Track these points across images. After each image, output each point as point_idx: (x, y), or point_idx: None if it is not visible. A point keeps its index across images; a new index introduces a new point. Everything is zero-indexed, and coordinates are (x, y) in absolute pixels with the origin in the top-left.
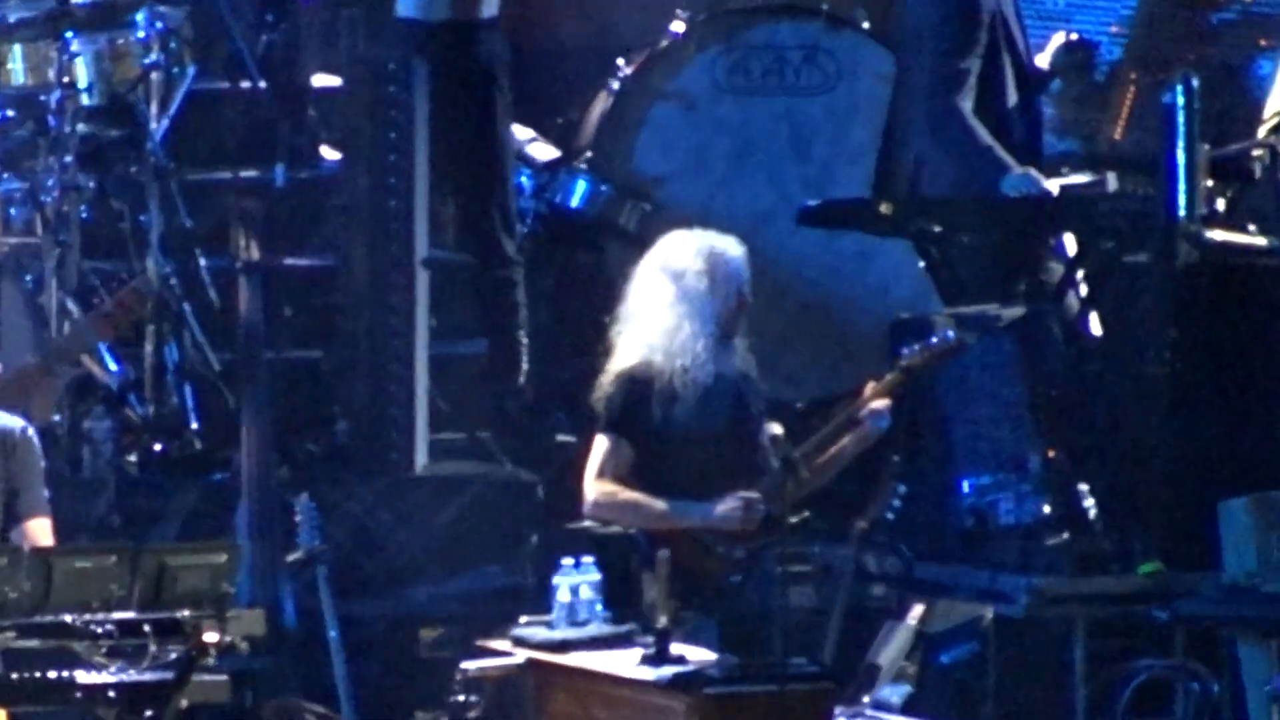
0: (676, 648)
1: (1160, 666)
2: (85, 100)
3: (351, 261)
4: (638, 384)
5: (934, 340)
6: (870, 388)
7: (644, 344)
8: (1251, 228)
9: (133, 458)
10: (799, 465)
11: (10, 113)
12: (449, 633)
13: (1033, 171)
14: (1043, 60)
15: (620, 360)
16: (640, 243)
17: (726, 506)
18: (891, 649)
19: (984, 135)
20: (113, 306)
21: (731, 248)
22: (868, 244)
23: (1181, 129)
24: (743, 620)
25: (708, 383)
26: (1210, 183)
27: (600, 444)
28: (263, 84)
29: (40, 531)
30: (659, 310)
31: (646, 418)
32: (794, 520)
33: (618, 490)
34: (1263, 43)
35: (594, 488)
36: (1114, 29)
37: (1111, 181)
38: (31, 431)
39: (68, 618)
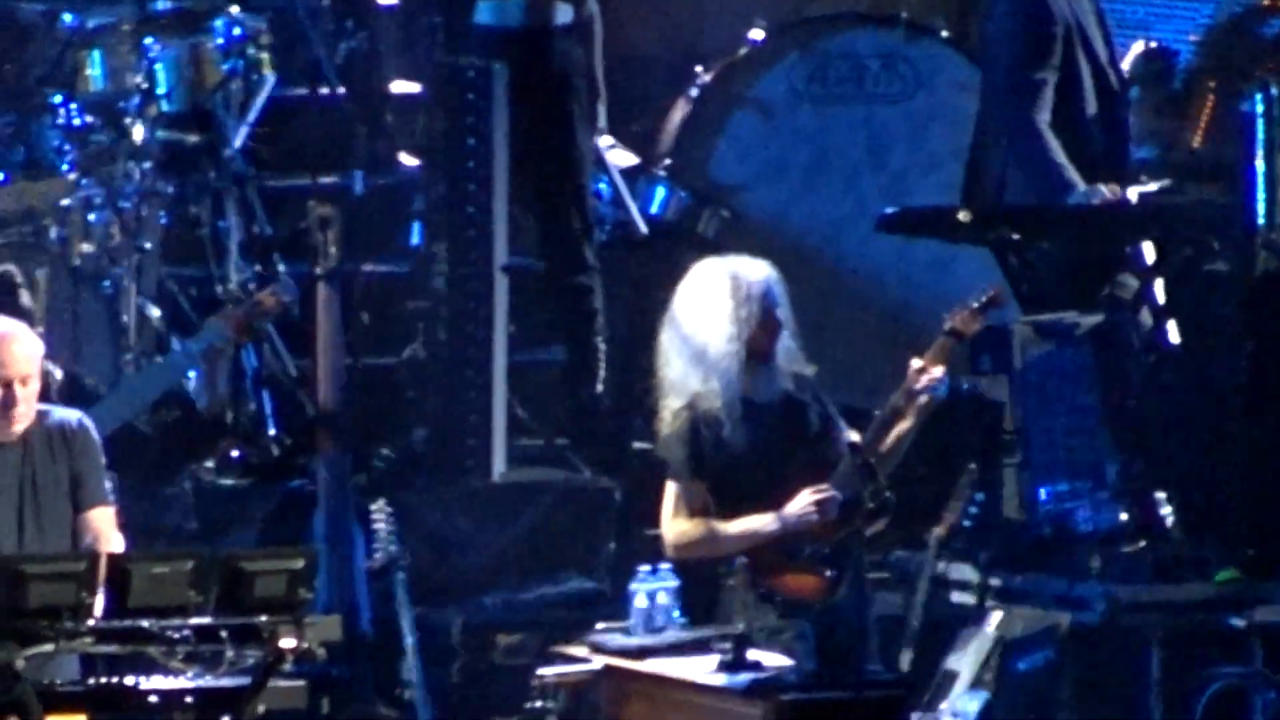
0: (753, 654)
1: (1236, 674)
2: (164, 106)
3: (430, 268)
4: (690, 422)
5: (974, 297)
6: (915, 365)
7: (684, 376)
8: None
9: (210, 464)
10: (877, 473)
11: (90, 119)
12: (525, 639)
13: (1102, 188)
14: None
15: (668, 402)
16: (718, 249)
17: (798, 505)
18: (969, 656)
19: (1056, 150)
20: (250, 306)
21: (755, 270)
22: (945, 252)
23: (1260, 137)
24: (838, 626)
25: (747, 400)
26: None
27: (670, 489)
28: (342, 90)
29: (103, 520)
30: (689, 337)
31: (704, 450)
32: (873, 505)
33: (690, 526)
34: None
35: (670, 529)
36: (1193, 38)
37: (1190, 190)
38: (89, 423)
39: (145, 623)
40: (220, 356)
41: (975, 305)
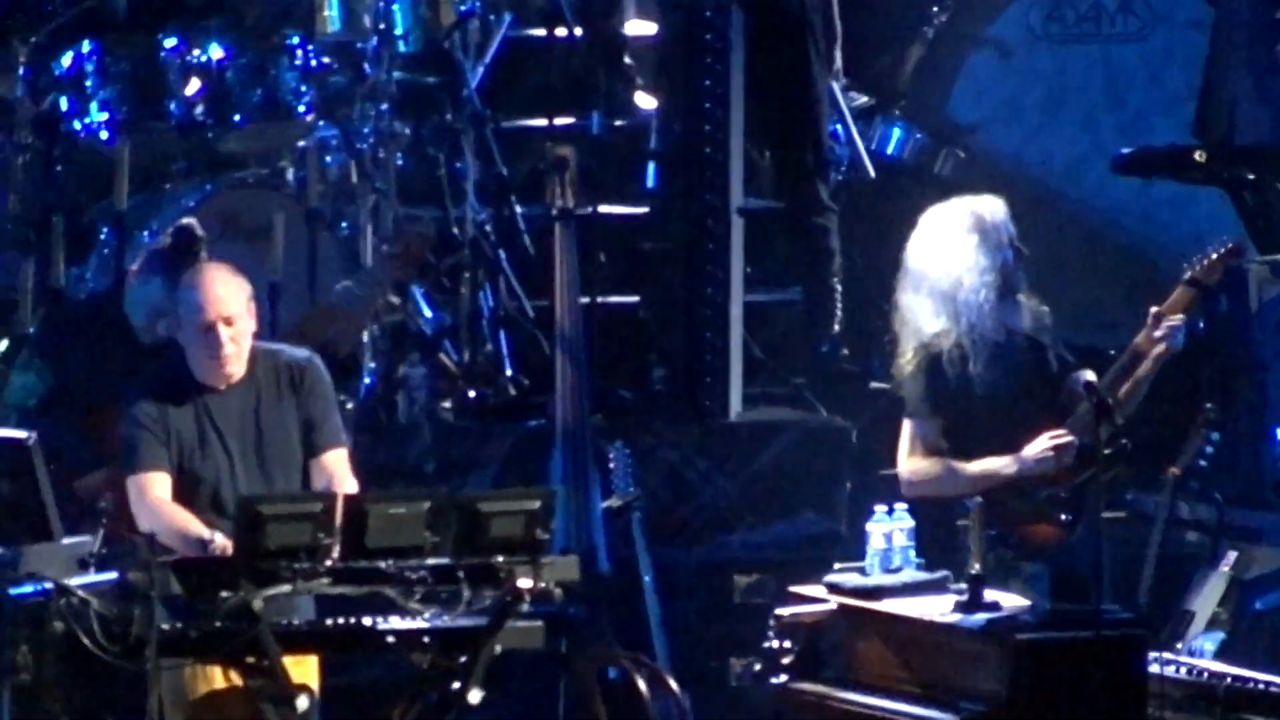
0: (990, 594)
1: None
2: (401, 48)
3: (667, 209)
4: (932, 359)
5: (1213, 247)
6: (1154, 313)
7: (928, 315)
8: None
9: (448, 404)
10: (1113, 410)
11: (327, 60)
12: (762, 579)
13: None
14: None
15: (908, 339)
16: (955, 190)
17: (1038, 449)
18: (1205, 596)
19: None
20: (400, 248)
21: (994, 203)
22: (1184, 191)
23: None
24: (1074, 567)
25: (998, 339)
26: None
27: (907, 427)
28: (579, 31)
29: (337, 462)
30: (935, 277)
31: (945, 387)
32: (1110, 451)
33: (928, 464)
34: None
35: (906, 467)
36: None
37: None
38: (318, 361)
39: (382, 564)
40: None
41: (1215, 255)
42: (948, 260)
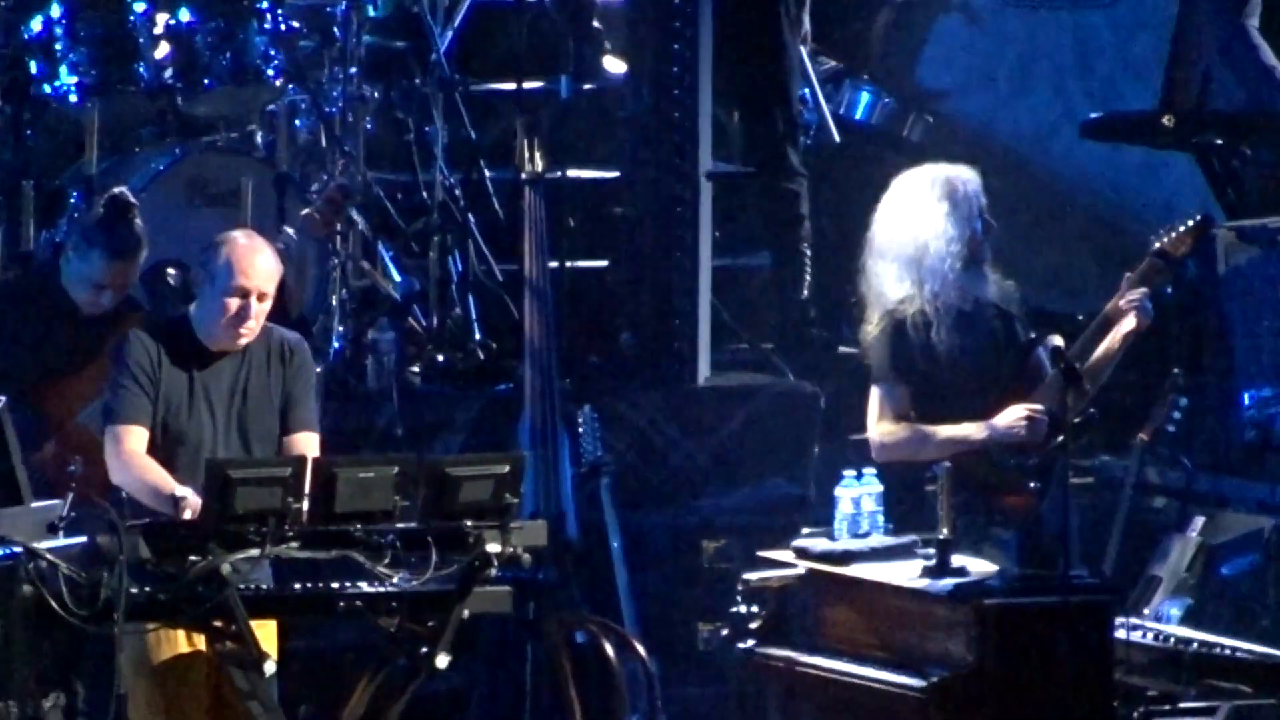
0: (958, 559)
1: None
2: (370, 12)
3: (636, 174)
4: (897, 325)
5: (1181, 221)
6: (1128, 279)
7: (893, 281)
8: None
9: (416, 369)
10: (1081, 377)
11: (296, 24)
12: (731, 544)
13: None
14: None
15: (875, 303)
16: (924, 155)
17: (1010, 419)
18: (1172, 561)
19: (1268, 55)
20: (321, 203)
21: (967, 174)
22: (1153, 157)
23: None
24: (1042, 534)
25: (962, 307)
26: None
27: (874, 392)
28: None
29: (308, 445)
30: (903, 242)
31: (910, 353)
32: (1079, 420)
33: (899, 428)
34: None
35: (877, 431)
36: None
37: None
38: (306, 345)
39: (351, 529)
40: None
41: (1184, 229)
42: (915, 226)
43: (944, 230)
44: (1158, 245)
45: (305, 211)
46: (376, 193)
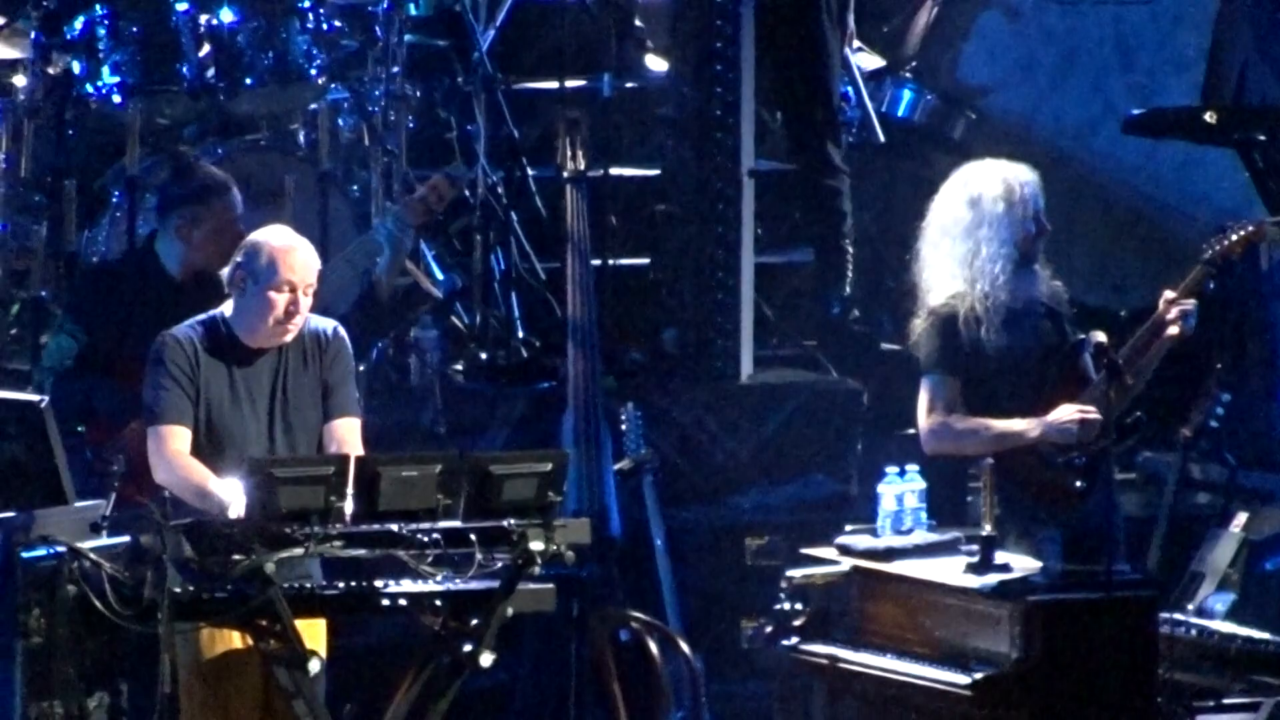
0: (1001, 556)
1: None
2: (412, 10)
3: (678, 171)
4: (947, 320)
5: (1233, 227)
6: (1176, 287)
7: (945, 276)
8: None
9: (459, 367)
10: (1124, 371)
11: (338, 23)
12: (774, 541)
13: None
14: None
15: (926, 297)
16: (966, 151)
17: (1061, 418)
18: (1216, 556)
19: None
20: (426, 190)
21: (1026, 174)
22: (1193, 152)
23: None
24: (1087, 532)
25: (1012, 306)
26: None
27: (925, 385)
28: None
29: (348, 431)
30: (957, 238)
31: (959, 349)
32: (1128, 422)
33: (951, 421)
34: None
35: (927, 424)
36: None
37: None
38: (343, 332)
39: (394, 526)
40: (401, 246)
41: (1237, 237)
42: (971, 225)
43: (998, 231)
44: (1209, 253)
45: (407, 199)
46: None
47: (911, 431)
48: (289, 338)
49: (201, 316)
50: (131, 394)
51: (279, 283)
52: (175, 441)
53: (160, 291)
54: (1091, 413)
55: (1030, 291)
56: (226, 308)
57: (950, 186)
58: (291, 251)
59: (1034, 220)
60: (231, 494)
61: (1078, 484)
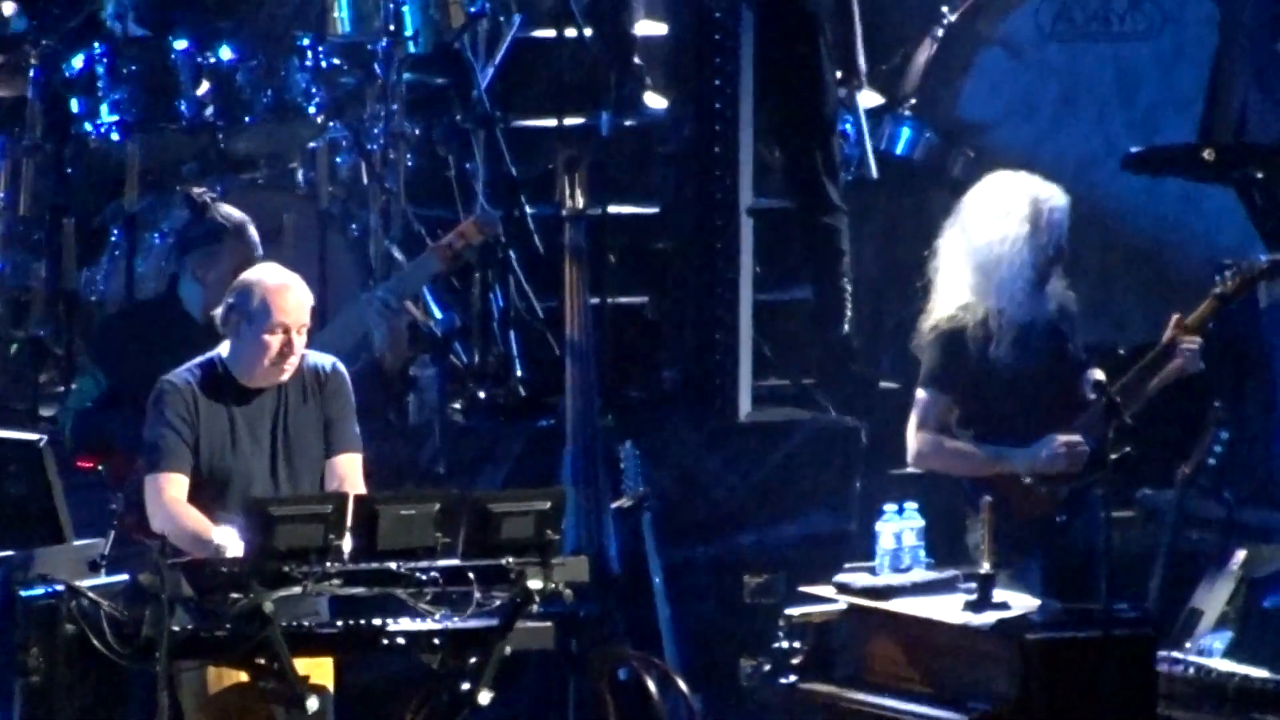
0: (1000, 594)
1: None
2: (411, 48)
3: (677, 209)
4: (954, 331)
5: (1244, 265)
6: (1179, 320)
7: (961, 283)
8: None
9: (458, 404)
10: (1122, 411)
11: (337, 61)
12: (772, 578)
13: None
14: None
15: (938, 305)
16: (965, 189)
17: (1050, 450)
18: (1215, 594)
19: None
20: (454, 235)
21: (1057, 196)
22: (1195, 189)
23: None
24: (1066, 562)
25: (1023, 323)
26: None
27: (920, 396)
28: (589, 31)
29: (349, 466)
30: (979, 249)
31: (964, 363)
32: (1116, 456)
33: (940, 440)
34: None
35: (916, 439)
36: None
37: None
38: (341, 368)
39: (393, 565)
40: (399, 313)
41: (1249, 274)
42: (994, 236)
43: (1021, 250)
44: (1219, 290)
45: (434, 244)
46: (417, 229)
47: (910, 470)
48: (286, 377)
49: (199, 359)
50: None
51: (273, 325)
52: (172, 489)
53: (184, 334)
54: (1079, 445)
55: (1041, 311)
56: (223, 348)
57: (980, 193)
58: (284, 291)
59: (1056, 245)
60: (229, 540)
61: (1059, 517)
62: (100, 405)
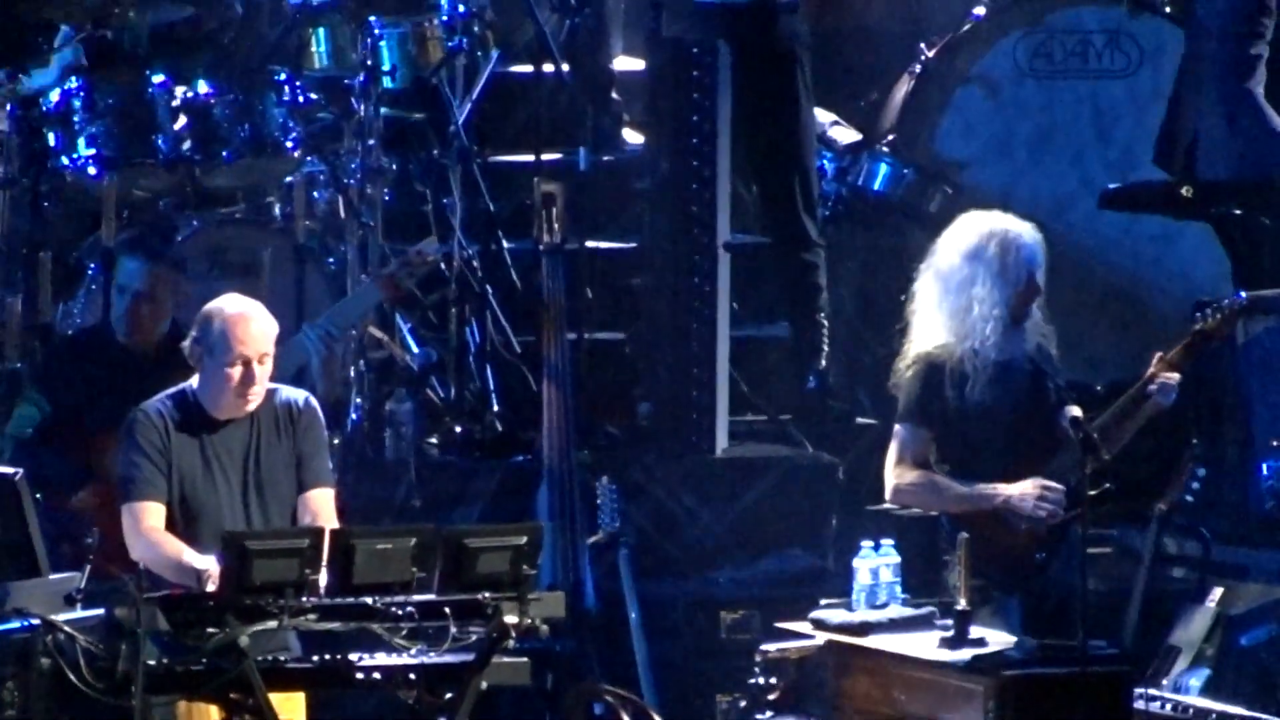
0: (976, 630)
1: None
2: (389, 83)
3: (654, 244)
4: (932, 369)
5: (1225, 303)
6: (1161, 357)
7: (937, 325)
8: None
9: (434, 440)
10: (1100, 447)
11: (314, 96)
12: (749, 615)
13: None
14: None
15: (914, 344)
16: (942, 226)
17: (1024, 492)
18: (1191, 632)
19: (1275, 120)
20: (397, 265)
21: (1027, 232)
22: (1170, 227)
23: None
24: (1046, 599)
25: (999, 361)
26: None
27: (898, 433)
28: (566, 67)
29: (322, 501)
30: (951, 291)
31: (941, 401)
32: (1095, 493)
33: (918, 475)
34: None
35: (894, 474)
36: None
37: None
38: (314, 403)
39: (368, 600)
40: (337, 344)
41: (1228, 313)
42: (966, 278)
43: (991, 291)
44: (1199, 327)
45: (377, 272)
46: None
47: (886, 506)
48: (251, 407)
49: (172, 390)
50: (84, 465)
51: (232, 357)
52: (149, 518)
53: (115, 365)
54: (1054, 489)
55: (1018, 350)
56: (194, 380)
57: (952, 234)
58: (242, 322)
59: (1027, 281)
60: (209, 567)
61: (1038, 555)
62: (39, 435)
